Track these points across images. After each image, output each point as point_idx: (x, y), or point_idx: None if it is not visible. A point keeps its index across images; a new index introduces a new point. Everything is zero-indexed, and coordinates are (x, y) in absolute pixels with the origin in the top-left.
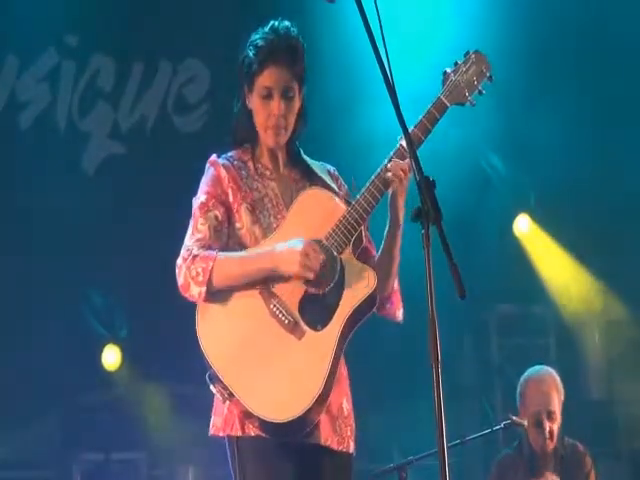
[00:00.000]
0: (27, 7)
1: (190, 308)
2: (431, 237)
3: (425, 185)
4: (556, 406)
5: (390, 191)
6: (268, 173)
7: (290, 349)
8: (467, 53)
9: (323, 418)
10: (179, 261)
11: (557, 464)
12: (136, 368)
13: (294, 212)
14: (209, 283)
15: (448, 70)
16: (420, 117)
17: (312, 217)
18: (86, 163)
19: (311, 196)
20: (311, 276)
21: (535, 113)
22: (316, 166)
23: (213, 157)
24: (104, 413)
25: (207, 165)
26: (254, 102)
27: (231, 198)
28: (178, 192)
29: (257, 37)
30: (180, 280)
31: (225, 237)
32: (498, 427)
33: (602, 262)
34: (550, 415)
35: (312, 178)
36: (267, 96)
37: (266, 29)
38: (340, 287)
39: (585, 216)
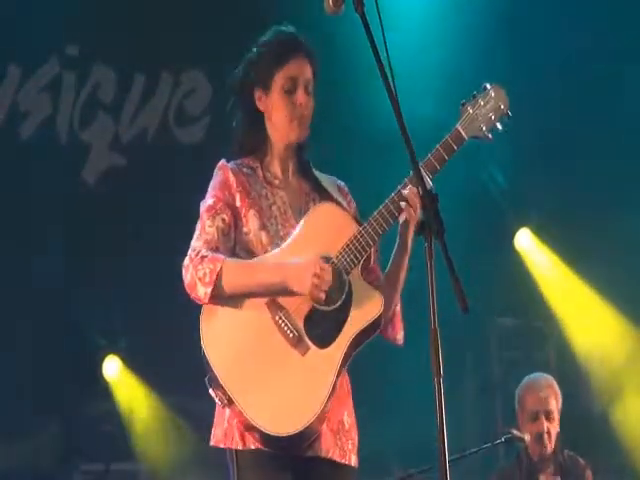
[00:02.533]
0: (29, 17)
1: (191, 319)
2: (434, 251)
3: (428, 199)
4: (554, 407)
5: (402, 218)
6: (277, 182)
7: (293, 364)
8: (485, 86)
9: (324, 431)
10: (186, 261)
11: (556, 472)
12: (136, 379)
13: (306, 225)
14: (215, 285)
15: (465, 102)
16: (436, 146)
17: (324, 232)
18: (86, 174)
19: (325, 211)
20: (322, 297)
21: (537, 124)
22: (326, 181)
23: (222, 162)
24: (104, 424)
25: (216, 169)
26: (273, 100)
27: (239, 202)
28: (178, 203)
29: (270, 38)
30: (187, 279)
31: (232, 241)
32: (499, 441)
33: (602, 275)
34: (548, 415)
35: (321, 192)
36: (291, 88)
37: (277, 31)
38: (347, 307)
39: (585, 229)
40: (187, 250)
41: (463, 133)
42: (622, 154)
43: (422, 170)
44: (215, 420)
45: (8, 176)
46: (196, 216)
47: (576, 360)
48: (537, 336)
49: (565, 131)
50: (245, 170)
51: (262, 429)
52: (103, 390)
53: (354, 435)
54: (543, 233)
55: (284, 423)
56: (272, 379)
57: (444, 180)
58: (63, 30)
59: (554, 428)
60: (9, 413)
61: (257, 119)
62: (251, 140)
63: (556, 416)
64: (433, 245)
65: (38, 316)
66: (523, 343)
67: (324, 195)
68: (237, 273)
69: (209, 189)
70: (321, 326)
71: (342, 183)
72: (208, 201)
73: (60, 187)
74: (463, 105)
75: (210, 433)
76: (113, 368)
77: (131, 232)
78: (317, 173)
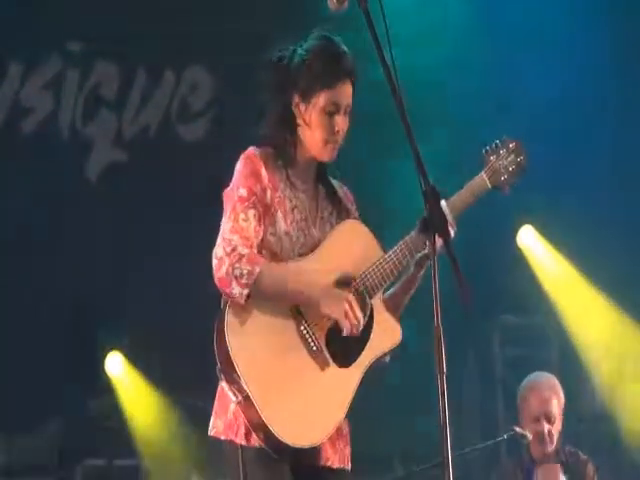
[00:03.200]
0: (30, 14)
1: (193, 316)
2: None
3: (431, 196)
4: (555, 409)
5: (426, 250)
6: (299, 184)
7: (312, 377)
8: (505, 140)
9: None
10: (220, 252)
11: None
12: (139, 375)
13: (332, 239)
14: (252, 288)
15: (487, 151)
16: (462, 190)
17: (349, 250)
18: (89, 170)
19: (351, 228)
20: (347, 332)
21: (539, 119)
22: (337, 188)
23: (252, 150)
24: (107, 420)
25: (244, 157)
26: (312, 117)
27: (269, 199)
28: (180, 199)
29: (318, 49)
30: (220, 273)
31: (260, 237)
32: (501, 438)
33: (606, 274)
34: (549, 417)
35: (335, 200)
36: (332, 111)
37: (326, 43)
38: (367, 332)
39: (588, 227)
40: (190, 247)
41: (488, 182)
42: (624, 151)
43: (447, 209)
44: (215, 410)
45: (10, 172)
46: (198, 211)
47: (578, 357)
48: (539, 333)
49: (567, 128)
50: (272, 164)
51: (275, 434)
52: (105, 386)
53: (348, 439)
54: (546, 230)
55: (298, 434)
56: (291, 387)
57: (447, 178)
58: (65, 26)
59: (555, 429)
60: (12, 409)
61: (290, 118)
62: (280, 136)
63: (558, 417)
64: (436, 243)
65: (40, 312)
66: (525, 340)
67: (337, 205)
68: (275, 280)
69: (238, 177)
70: (342, 344)
71: (347, 189)
72: (240, 191)
73: (62, 183)
74: (486, 153)
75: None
76: (116, 364)
77: (133, 229)
78: (331, 179)
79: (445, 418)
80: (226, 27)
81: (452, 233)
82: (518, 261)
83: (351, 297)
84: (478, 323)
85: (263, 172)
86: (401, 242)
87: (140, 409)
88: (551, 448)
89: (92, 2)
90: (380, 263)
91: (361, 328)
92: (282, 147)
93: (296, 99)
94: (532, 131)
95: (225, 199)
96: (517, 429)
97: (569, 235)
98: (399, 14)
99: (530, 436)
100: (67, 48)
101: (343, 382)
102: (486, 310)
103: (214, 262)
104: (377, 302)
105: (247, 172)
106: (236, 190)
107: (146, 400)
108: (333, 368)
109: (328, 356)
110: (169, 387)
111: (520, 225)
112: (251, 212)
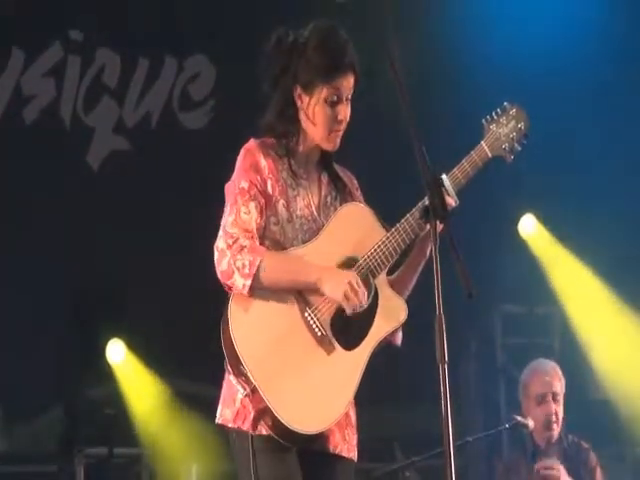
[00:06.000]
0: (33, 1)
1: (196, 303)
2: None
3: (433, 183)
4: (559, 390)
5: (428, 226)
6: (301, 172)
7: (319, 362)
8: (505, 106)
9: (333, 427)
10: (222, 245)
11: (560, 456)
12: (140, 362)
13: (334, 223)
14: (254, 278)
15: (487, 120)
16: (462, 161)
17: (351, 233)
18: (90, 158)
19: (353, 211)
20: (349, 311)
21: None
22: (341, 173)
23: (252, 142)
24: (107, 408)
25: (244, 150)
26: (314, 107)
27: (270, 190)
28: (182, 188)
29: (317, 41)
30: (223, 266)
31: (262, 229)
32: (502, 427)
33: (607, 263)
34: (555, 396)
35: (339, 185)
36: (336, 101)
37: (325, 34)
38: (372, 312)
39: (589, 215)
40: (191, 234)
41: (488, 151)
42: (626, 139)
43: (448, 181)
44: (223, 399)
45: (12, 160)
46: (199, 202)
47: (580, 346)
48: (541, 323)
49: (568, 116)
50: (273, 154)
51: (285, 424)
52: (106, 374)
53: (356, 427)
54: (547, 219)
55: (308, 421)
56: (298, 375)
57: (448, 166)
58: (67, 14)
59: (561, 411)
60: (11, 397)
61: (292, 108)
62: (282, 126)
63: (562, 399)
64: (437, 230)
65: (41, 300)
66: (527, 330)
67: (341, 190)
68: (276, 268)
69: (238, 170)
70: (347, 327)
71: (351, 175)
72: (241, 184)
73: (64, 171)
74: (486, 122)
75: (214, 416)
76: (116, 352)
77: (134, 216)
78: (335, 165)
79: (447, 407)
80: (229, 15)
81: (454, 205)
82: (519, 250)
83: (352, 276)
84: (480, 312)
85: (263, 163)
86: (403, 220)
87: (141, 397)
88: (557, 432)
89: None
90: (383, 242)
91: (364, 307)
92: (284, 137)
93: (298, 90)
94: (532, 118)
95: (227, 193)
96: (519, 418)
97: (570, 223)
98: None
99: (532, 424)
100: (69, 36)
101: (350, 365)
102: (488, 299)
103: (215, 255)
104: (381, 282)
105: (247, 165)
106: (237, 183)
107: (147, 388)
108: (339, 352)
109: (334, 340)
110: (170, 375)
111: (521, 213)
112: (252, 204)
